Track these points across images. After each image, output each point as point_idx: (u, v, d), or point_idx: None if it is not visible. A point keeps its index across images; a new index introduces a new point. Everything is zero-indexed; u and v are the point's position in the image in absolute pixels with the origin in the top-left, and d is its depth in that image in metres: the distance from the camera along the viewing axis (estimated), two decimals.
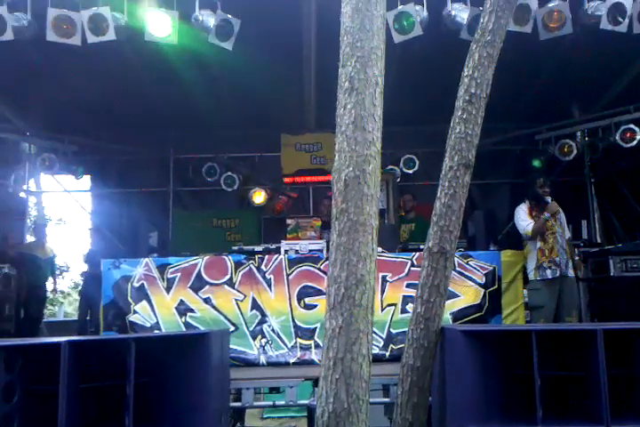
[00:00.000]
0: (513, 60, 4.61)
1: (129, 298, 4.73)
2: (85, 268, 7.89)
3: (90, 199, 9.32)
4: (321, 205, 6.77)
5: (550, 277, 4.88)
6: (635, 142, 6.65)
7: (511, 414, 2.75)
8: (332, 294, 2.46)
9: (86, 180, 9.03)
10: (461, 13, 4.64)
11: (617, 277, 5.63)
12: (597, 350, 2.61)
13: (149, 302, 4.72)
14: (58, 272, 15.56)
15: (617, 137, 6.73)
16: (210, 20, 4.68)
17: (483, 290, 4.88)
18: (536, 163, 7.99)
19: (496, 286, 4.93)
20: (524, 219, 5.02)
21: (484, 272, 4.91)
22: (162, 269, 4.78)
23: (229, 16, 4.66)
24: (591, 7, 4.71)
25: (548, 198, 5.07)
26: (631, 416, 2.66)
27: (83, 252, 8.02)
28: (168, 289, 4.74)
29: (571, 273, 4.97)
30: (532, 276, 4.96)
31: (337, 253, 2.47)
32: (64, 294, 16.70)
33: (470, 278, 4.90)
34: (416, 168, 8.23)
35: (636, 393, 2.74)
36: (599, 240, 7.76)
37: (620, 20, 4.58)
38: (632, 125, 6.66)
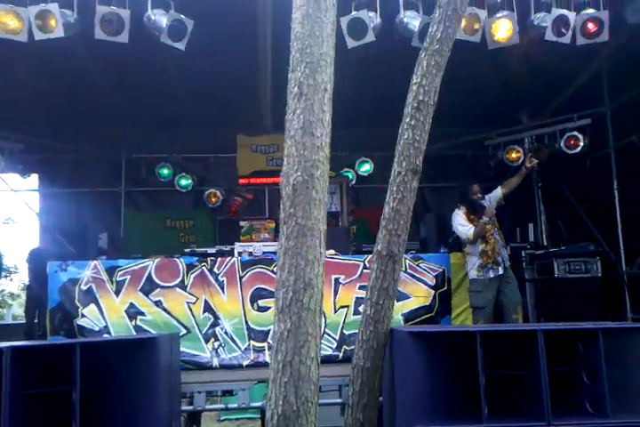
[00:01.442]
0: (464, 67, 4.75)
1: (76, 301, 4.63)
2: (28, 269, 7.61)
3: (38, 199, 9.04)
4: (277, 208, 6.76)
5: (492, 275, 5.05)
6: (578, 149, 6.92)
7: (458, 413, 2.82)
8: (281, 297, 2.47)
9: (34, 179, 8.77)
10: (413, 21, 4.72)
11: (561, 279, 5.85)
12: (538, 350, 2.72)
13: (98, 305, 4.64)
14: (5, 273, 15.07)
15: (562, 144, 6.98)
16: (162, 19, 4.62)
17: (433, 291, 5.00)
18: (483, 169, 8.17)
19: (445, 288, 5.05)
20: (463, 224, 5.18)
21: (434, 274, 5.03)
22: (111, 271, 4.70)
23: (182, 16, 4.61)
24: (537, 18, 4.87)
25: (484, 202, 5.24)
26: (571, 413, 2.78)
27: (26, 252, 7.69)
28: (117, 292, 4.67)
29: (508, 264, 5.17)
30: (473, 275, 5.09)
31: (285, 256, 2.49)
32: (13, 296, 16.13)
33: (421, 280, 5.01)
34: (371, 171, 8.33)
35: (577, 391, 2.86)
36: (545, 243, 8.03)
37: (564, 31, 4.75)
38: (576, 133, 6.93)
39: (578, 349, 2.90)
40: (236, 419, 7.30)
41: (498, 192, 5.33)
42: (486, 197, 5.30)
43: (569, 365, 2.91)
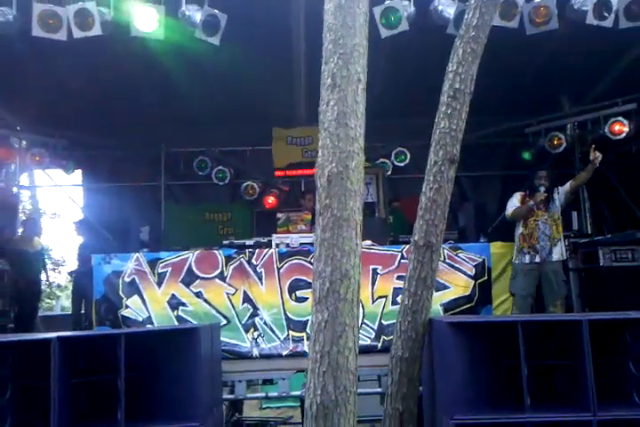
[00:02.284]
0: (502, 54, 4.65)
1: (120, 293, 4.75)
2: (77, 262, 7.86)
3: (81, 193, 9.31)
4: (304, 200, 6.80)
5: (528, 261, 4.98)
6: (623, 135, 6.69)
7: (500, 403, 2.80)
8: (318, 288, 2.49)
9: (78, 174, 9.02)
10: (448, 8, 4.64)
11: (606, 268, 5.69)
12: (583, 340, 2.66)
13: (141, 296, 4.75)
14: (53, 266, 15.57)
15: (606, 129, 6.77)
16: (196, 15, 4.67)
17: (473, 281, 4.93)
18: (525, 155, 8.02)
19: (486, 278, 4.98)
20: (513, 202, 5.22)
21: (473, 264, 4.96)
22: (153, 263, 4.80)
23: (216, 11, 4.65)
24: (577, 2, 4.72)
25: (542, 188, 5.15)
26: (617, 403, 2.72)
27: (75, 246, 7.93)
28: (159, 284, 4.77)
29: (556, 258, 5.05)
30: (514, 259, 5.07)
31: (321, 248, 2.50)
32: (61, 288, 16.68)
33: (460, 270, 4.95)
34: (407, 161, 8.26)
35: (623, 381, 2.79)
36: (589, 231, 7.82)
37: (606, 15, 4.60)
38: (620, 118, 6.70)
39: (625, 338, 2.83)
40: (277, 407, 7.42)
41: (566, 186, 5.26)
42: (557, 189, 5.24)
43: (615, 355, 2.84)
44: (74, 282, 7.69)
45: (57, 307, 15.46)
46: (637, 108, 6.63)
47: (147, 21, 4.54)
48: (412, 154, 8.20)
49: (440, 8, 4.68)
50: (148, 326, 4.65)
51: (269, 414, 7.17)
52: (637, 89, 6.53)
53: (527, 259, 5.00)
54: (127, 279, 4.77)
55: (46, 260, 8.28)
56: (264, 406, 7.50)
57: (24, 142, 8.13)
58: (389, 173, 8.18)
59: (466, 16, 2.98)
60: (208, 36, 4.62)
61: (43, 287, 8.05)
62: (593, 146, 5.18)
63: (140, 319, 4.71)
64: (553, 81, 6.73)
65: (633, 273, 5.66)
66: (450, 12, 4.62)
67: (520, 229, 5.09)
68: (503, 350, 2.86)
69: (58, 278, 16.63)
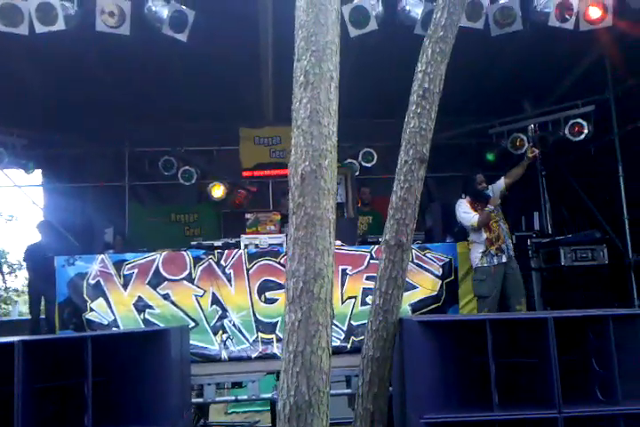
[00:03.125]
0: (467, 55, 4.71)
1: (85, 295, 4.65)
2: (27, 265, 7.59)
3: (42, 194, 9.05)
4: (282, 199, 6.77)
5: (496, 263, 5.04)
6: (582, 136, 6.87)
7: (469, 401, 2.83)
8: (291, 287, 2.47)
9: (38, 174, 8.77)
10: (415, 9, 4.69)
11: (567, 267, 5.83)
12: (548, 338, 2.71)
13: (106, 299, 4.65)
14: (9, 270, 15.12)
15: (566, 131, 6.93)
16: (163, 10, 4.60)
17: (440, 281, 4.99)
18: (489, 156, 8.16)
19: (453, 277, 5.05)
20: (467, 211, 5.19)
21: (440, 264, 5.03)
22: (118, 265, 4.71)
23: (183, 7, 4.59)
24: (540, 4, 4.83)
25: (489, 192, 5.24)
26: (582, 401, 2.78)
27: (22, 248, 7.66)
28: (125, 286, 4.68)
29: (512, 252, 5.14)
30: (477, 263, 5.07)
31: (295, 247, 2.49)
32: (18, 293, 16.19)
33: (428, 270, 5.00)
34: (374, 161, 8.30)
35: (587, 378, 2.85)
36: (550, 231, 8.01)
37: (568, 17, 4.71)
38: (580, 120, 6.87)
39: (588, 336, 2.89)
40: (244, 412, 7.35)
41: (501, 183, 5.32)
42: (490, 187, 5.29)
43: (579, 352, 2.90)
44: (29, 286, 7.43)
45: (14, 312, 15.00)
46: (596, 109, 6.81)
47: (112, 16, 4.44)
48: (379, 154, 8.25)
49: (408, 8, 4.72)
50: (114, 329, 4.56)
51: (235, 419, 7.10)
52: (597, 91, 6.72)
53: (495, 260, 5.03)
54: (92, 281, 4.66)
55: (2, 263, 8.00)
56: (230, 411, 7.42)
57: None
58: (357, 173, 8.22)
59: (434, 16, 3.01)
60: (175, 32, 4.56)
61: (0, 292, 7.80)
62: (531, 143, 5.30)
63: (106, 323, 4.61)
64: (516, 82, 6.87)
65: (593, 272, 5.82)
66: (417, 12, 4.66)
67: (484, 235, 5.07)
68: (472, 348, 2.89)
69: (15, 283, 16.17)
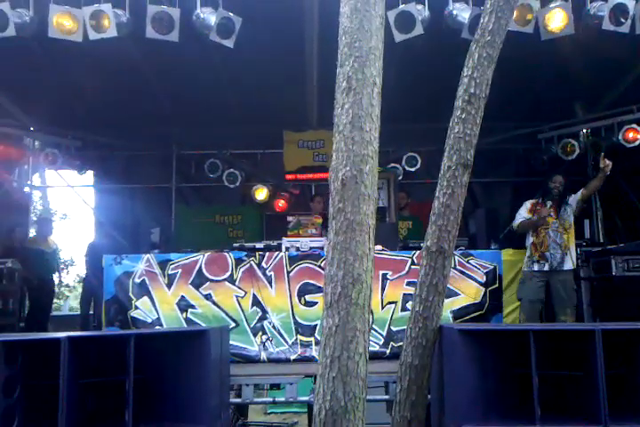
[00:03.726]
0: (516, 59, 4.63)
1: (130, 293, 4.76)
2: (85, 262, 7.89)
3: (93, 194, 9.36)
4: (312, 203, 6.81)
5: (536, 269, 4.96)
6: (637, 142, 6.63)
7: (509, 413, 2.77)
8: (329, 292, 2.47)
9: (89, 175, 9.07)
10: (462, 13, 4.63)
11: (619, 277, 5.61)
12: (596, 350, 2.62)
13: (151, 297, 4.75)
14: (63, 266, 15.68)
15: (620, 137, 6.71)
16: (211, 17, 4.68)
17: (483, 289, 4.89)
18: (538, 162, 7.96)
19: (497, 285, 4.94)
20: (520, 213, 5.20)
21: (484, 271, 4.93)
22: (163, 265, 4.81)
23: (231, 14, 4.66)
24: (593, 8, 4.70)
25: (549, 203, 5.14)
26: (629, 416, 2.68)
27: (84, 246, 7.98)
28: (169, 285, 4.77)
29: (567, 267, 5.01)
30: (524, 266, 5.05)
31: (334, 251, 2.48)
32: (69, 288, 16.76)
33: (471, 277, 4.91)
34: (418, 166, 8.24)
35: (635, 394, 2.74)
36: (601, 240, 7.75)
37: (623, 20, 4.56)
38: (635, 125, 6.63)
39: (637, 350, 2.78)
40: (282, 412, 7.39)
41: (578, 194, 5.22)
42: (570, 198, 5.20)
43: (627, 366, 2.80)
44: (84, 282, 7.73)
45: (65, 307, 15.54)
46: None
47: (163, 24, 4.56)
48: (422, 159, 8.18)
49: (455, 12, 4.67)
50: (157, 327, 4.65)
51: (274, 420, 7.15)
52: None
53: (536, 267, 4.97)
54: (137, 280, 4.78)
55: (59, 260, 8.34)
56: (269, 411, 7.48)
57: (37, 143, 8.19)
58: (400, 178, 8.16)
59: (481, 20, 2.96)
60: (222, 38, 4.64)
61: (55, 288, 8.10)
62: (602, 153, 5.15)
63: (149, 321, 4.71)
64: (567, 87, 6.69)
65: None
66: (464, 16, 4.61)
67: (531, 239, 5.06)
68: (514, 359, 2.83)
69: (66, 279, 16.73)
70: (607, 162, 5.00)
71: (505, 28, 2.93)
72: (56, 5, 4.55)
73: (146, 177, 8.65)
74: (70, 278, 16.75)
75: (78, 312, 8.09)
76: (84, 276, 7.84)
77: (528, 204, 5.23)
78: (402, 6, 4.59)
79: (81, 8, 4.55)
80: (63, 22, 4.50)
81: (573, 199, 5.18)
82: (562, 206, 5.10)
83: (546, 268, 4.94)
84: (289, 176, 8.52)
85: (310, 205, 6.81)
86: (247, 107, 7.32)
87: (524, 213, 5.17)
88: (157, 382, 2.85)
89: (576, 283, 5.46)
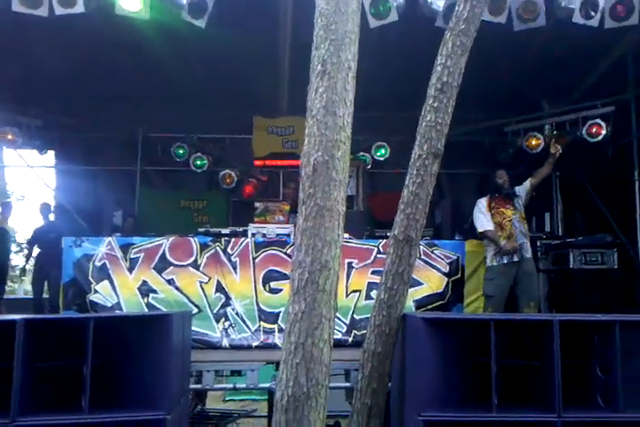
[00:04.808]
0: (487, 50, 4.63)
1: (90, 277, 4.66)
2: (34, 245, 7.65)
3: (54, 175, 9.09)
4: (286, 189, 6.77)
5: (506, 262, 5.02)
6: (600, 137, 6.76)
7: (469, 401, 2.80)
8: (296, 278, 2.45)
9: (50, 156, 8.80)
10: (437, 1, 4.63)
11: (576, 270, 5.77)
12: (553, 341, 2.67)
13: (111, 281, 4.67)
14: (18, 249, 15.26)
15: (583, 131, 6.83)
16: None
17: (446, 279, 4.96)
18: (503, 154, 8.06)
19: (459, 275, 5.01)
20: (484, 213, 5.17)
21: (448, 261, 4.99)
22: (125, 248, 4.72)
23: None
24: (565, 0, 4.75)
25: (518, 190, 5.19)
26: (583, 406, 2.74)
27: (31, 228, 7.72)
28: (131, 269, 4.69)
29: (528, 255, 5.10)
30: (489, 262, 5.08)
31: (302, 237, 2.46)
32: (25, 271, 16.32)
33: (435, 267, 4.97)
34: (387, 155, 8.26)
35: (589, 384, 2.81)
36: (561, 233, 7.93)
37: (593, 14, 4.63)
38: (599, 120, 6.76)
39: (593, 341, 2.85)
40: (241, 400, 7.40)
41: (526, 184, 5.28)
42: (516, 189, 5.25)
43: (583, 357, 2.86)
44: (35, 265, 7.49)
45: (20, 291, 15.15)
46: (616, 111, 6.70)
47: (132, 1, 4.41)
48: (392, 148, 8.19)
49: (430, 0, 4.66)
50: (117, 312, 4.57)
51: (232, 407, 7.14)
52: (617, 92, 6.60)
53: (505, 259, 5.01)
54: (98, 264, 4.68)
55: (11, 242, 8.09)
56: (227, 398, 7.48)
57: None
58: (369, 166, 8.17)
59: (456, 8, 2.95)
60: (194, 18, 4.53)
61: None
62: (553, 140, 5.24)
63: (109, 305, 4.63)
64: (535, 80, 6.79)
65: (602, 276, 5.76)
66: (439, 4, 4.61)
67: (498, 233, 5.07)
68: (475, 348, 2.86)
69: (21, 262, 16.28)
70: (558, 147, 5.10)
71: (479, 16, 2.92)
72: None
73: (109, 159, 8.45)
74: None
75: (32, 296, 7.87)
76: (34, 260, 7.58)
77: (484, 202, 5.24)
78: None
79: None
80: None
81: (522, 189, 5.25)
82: (514, 198, 5.18)
83: (515, 258, 5.01)
84: (257, 162, 8.46)
85: (284, 192, 6.77)
86: (217, 90, 7.20)
87: (486, 213, 5.16)
88: (117, 367, 2.79)
89: None
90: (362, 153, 8.23)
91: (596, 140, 6.80)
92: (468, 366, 2.86)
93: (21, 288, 15.13)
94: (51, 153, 8.66)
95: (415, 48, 5.34)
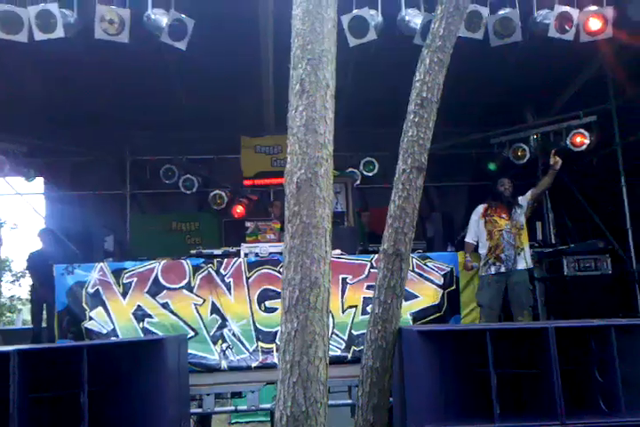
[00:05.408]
0: (467, 65, 4.73)
1: (84, 304, 4.62)
2: (30, 273, 7.57)
3: (44, 202, 9.07)
4: (270, 208, 6.80)
5: (493, 272, 5.02)
6: (584, 147, 6.86)
7: (469, 412, 2.79)
8: (287, 296, 2.45)
9: (39, 182, 8.78)
10: (415, 19, 4.71)
11: (570, 277, 5.79)
12: (550, 348, 2.68)
13: (105, 307, 4.62)
14: (13, 278, 15.15)
15: (567, 141, 6.93)
16: (162, 19, 4.60)
17: (441, 290, 4.95)
18: (491, 166, 8.15)
19: (454, 287, 5.01)
20: (473, 222, 5.28)
21: (442, 273, 4.99)
22: (117, 273, 4.68)
23: (183, 16, 4.59)
24: (540, 15, 4.86)
25: (521, 200, 5.25)
26: (585, 412, 2.74)
27: (24, 257, 7.66)
28: (124, 294, 4.65)
29: (520, 266, 5.07)
30: (480, 272, 5.11)
31: (290, 255, 2.47)
32: (22, 301, 16.17)
33: (429, 279, 4.97)
34: (375, 171, 8.31)
35: (590, 389, 2.81)
36: (553, 241, 7.97)
37: (567, 28, 4.73)
38: (582, 130, 6.87)
39: (590, 346, 2.86)
40: (247, 422, 7.30)
41: (527, 195, 5.32)
42: (519, 198, 5.28)
43: (581, 362, 2.87)
44: (31, 294, 7.41)
45: (18, 321, 14.99)
46: (598, 120, 6.81)
47: (111, 25, 4.45)
48: (380, 164, 8.25)
49: (407, 18, 4.74)
50: (113, 338, 4.52)
51: None
52: (598, 101, 6.71)
53: (493, 270, 5.03)
54: (91, 290, 4.64)
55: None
56: (233, 420, 7.38)
57: None
58: (358, 182, 8.21)
59: (432, 26, 3.01)
60: (174, 40, 4.56)
61: (5, 300, 7.79)
62: (553, 151, 5.31)
63: (105, 332, 4.58)
64: (517, 93, 6.89)
65: (596, 282, 5.78)
66: (417, 22, 4.68)
67: (487, 244, 5.11)
68: (473, 358, 2.86)
69: (19, 291, 16.15)
70: (557, 159, 5.15)
71: (455, 33, 2.98)
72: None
73: (98, 183, 8.42)
74: (23, 291, 16.18)
75: (31, 326, 7.77)
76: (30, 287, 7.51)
77: (480, 208, 5.29)
78: (355, 11, 4.63)
79: (26, 7, 4.40)
80: (7, 22, 4.33)
81: (524, 199, 5.29)
82: (513, 208, 5.20)
83: (502, 269, 5.02)
84: (247, 182, 8.47)
85: (269, 211, 6.79)
86: (203, 111, 7.24)
87: (475, 218, 5.25)
88: (113, 394, 2.77)
89: (531, 283, 5.59)
90: (350, 169, 8.27)
91: (580, 149, 6.90)
92: (467, 377, 2.86)
93: (20, 318, 14.97)
94: (39, 180, 8.63)
95: (398, 64, 5.42)
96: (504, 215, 5.15)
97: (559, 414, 2.62)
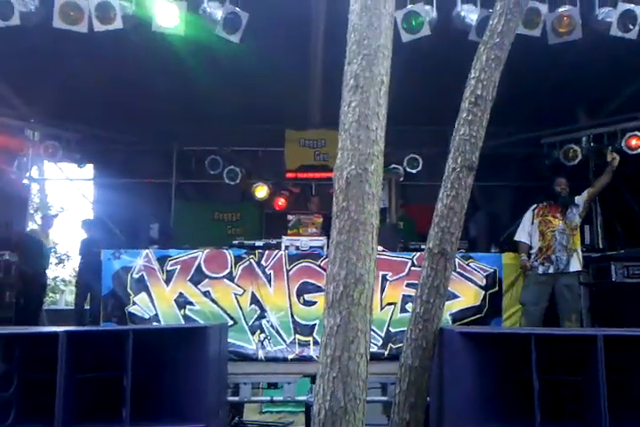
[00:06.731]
0: (521, 63, 4.60)
1: (128, 289, 4.73)
2: (80, 257, 7.84)
3: (92, 188, 9.33)
4: (310, 203, 6.81)
5: (541, 272, 4.94)
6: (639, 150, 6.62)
7: (508, 417, 2.75)
8: (331, 291, 2.45)
9: (89, 169, 9.04)
10: (471, 15, 4.62)
11: (618, 283, 5.61)
12: (597, 356, 2.61)
13: (149, 293, 4.72)
14: (57, 261, 15.66)
15: (622, 144, 6.69)
16: (217, 12, 4.64)
17: (483, 292, 4.88)
18: (540, 167, 7.95)
19: (497, 289, 4.92)
20: (526, 221, 5.21)
21: (484, 274, 4.91)
22: (162, 260, 4.77)
23: (237, 9, 4.63)
24: (602, 13, 4.69)
25: (577, 200, 5.16)
26: (630, 422, 2.66)
27: (72, 240, 7.98)
28: (167, 281, 4.74)
29: (573, 268, 4.99)
30: (528, 272, 5.03)
31: (336, 251, 2.46)
32: (65, 283, 16.73)
33: (471, 280, 4.89)
34: (419, 168, 8.22)
35: (635, 400, 2.73)
36: (601, 246, 7.74)
37: (631, 27, 4.56)
38: (638, 132, 6.63)
39: (638, 356, 2.77)
40: (278, 412, 7.36)
41: (584, 195, 5.23)
42: (576, 198, 5.20)
43: (628, 372, 2.78)
44: (77, 278, 7.68)
45: (61, 301, 15.52)
46: None
47: (168, 17, 4.53)
48: (424, 161, 8.16)
49: (463, 14, 4.66)
50: (155, 323, 4.62)
51: (269, 419, 7.11)
52: None
53: (540, 270, 4.96)
54: (135, 276, 4.74)
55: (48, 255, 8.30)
56: (264, 410, 7.45)
57: (37, 135, 8.14)
58: (401, 179, 8.14)
59: (491, 22, 2.95)
60: (229, 33, 4.59)
61: (49, 281, 8.10)
62: (610, 147, 5.16)
63: (147, 317, 4.68)
64: (571, 92, 6.67)
65: None
66: (472, 18, 4.59)
67: (538, 244, 5.04)
68: (514, 362, 2.81)
69: (63, 273, 16.70)
70: (615, 155, 5.01)
71: (514, 30, 2.92)
72: None
73: (146, 172, 8.62)
74: (66, 273, 16.73)
75: (73, 307, 8.05)
76: (78, 270, 7.79)
77: (535, 208, 5.23)
78: (410, 6, 4.57)
79: None
80: (69, 12, 4.46)
81: (580, 199, 5.19)
82: (568, 208, 5.10)
83: (550, 270, 4.93)
84: (289, 174, 8.51)
85: (307, 205, 6.81)
86: (250, 104, 7.30)
87: (528, 217, 5.19)
88: (155, 378, 2.83)
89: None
90: (394, 165, 8.20)
91: (635, 152, 6.66)
92: (508, 382, 2.81)
93: (62, 299, 15.49)
94: (89, 166, 8.88)
95: (449, 61, 5.34)
96: (558, 215, 5.07)
97: (603, 423, 2.55)
